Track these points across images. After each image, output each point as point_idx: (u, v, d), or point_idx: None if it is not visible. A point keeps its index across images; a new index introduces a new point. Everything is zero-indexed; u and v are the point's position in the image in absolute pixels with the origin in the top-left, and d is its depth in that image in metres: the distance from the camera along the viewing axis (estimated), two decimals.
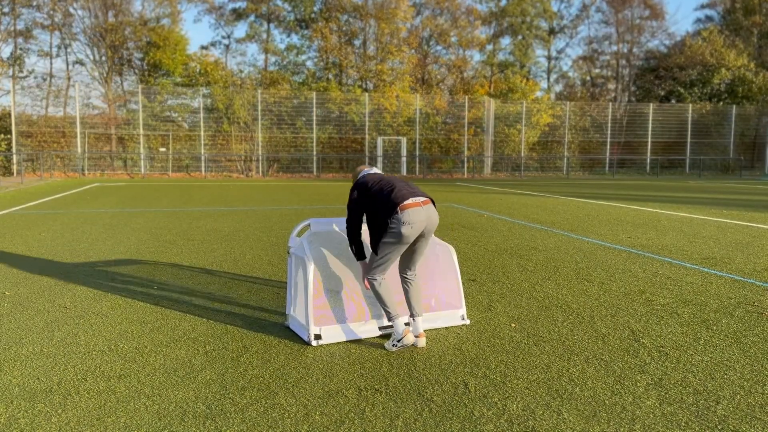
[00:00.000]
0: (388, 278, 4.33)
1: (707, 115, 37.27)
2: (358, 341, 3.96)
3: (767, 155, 37.49)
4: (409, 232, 3.65)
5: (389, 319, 3.82)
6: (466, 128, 34.07)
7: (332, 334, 3.94)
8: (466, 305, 4.87)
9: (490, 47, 43.16)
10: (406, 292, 4.01)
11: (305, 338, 3.94)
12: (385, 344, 3.84)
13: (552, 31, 45.06)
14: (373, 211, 3.79)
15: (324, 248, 4.25)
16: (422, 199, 3.75)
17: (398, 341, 3.74)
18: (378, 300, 3.88)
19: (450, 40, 40.66)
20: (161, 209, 12.52)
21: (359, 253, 3.94)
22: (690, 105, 37.07)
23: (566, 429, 2.73)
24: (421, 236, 3.81)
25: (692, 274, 6.16)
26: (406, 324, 4.02)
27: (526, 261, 6.84)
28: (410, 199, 3.68)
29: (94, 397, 3.05)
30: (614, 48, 44.50)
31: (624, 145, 37.02)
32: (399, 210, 3.64)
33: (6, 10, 33.79)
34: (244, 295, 5.18)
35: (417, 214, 3.65)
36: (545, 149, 36.54)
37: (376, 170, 4.14)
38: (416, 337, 3.89)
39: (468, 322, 4.38)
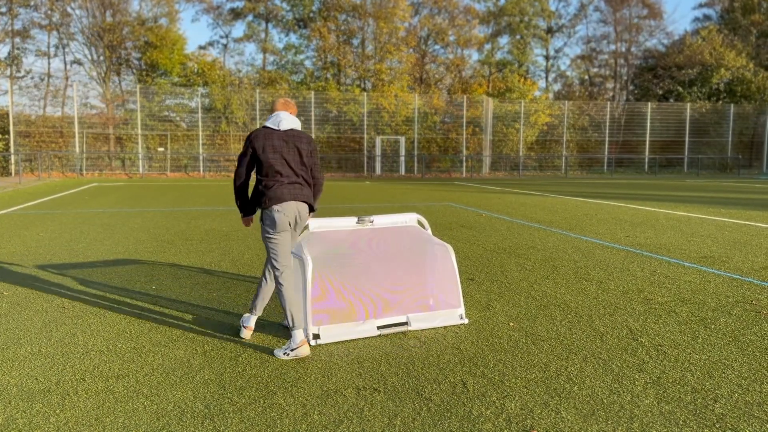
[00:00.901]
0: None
1: (706, 114, 37.31)
2: (356, 341, 3.97)
3: (765, 154, 37.54)
4: (282, 219, 3.78)
5: (290, 326, 3.66)
6: (464, 127, 34.08)
7: (331, 333, 3.94)
8: (465, 304, 4.87)
9: (488, 46, 43.20)
10: (259, 287, 4.04)
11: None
12: (275, 350, 3.70)
13: (550, 31, 45.08)
14: (257, 182, 3.89)
15: (322, 248, 4.25)
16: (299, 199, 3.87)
17: (291, 350, 3.63)
18: (280, 299, 3.78)
19: (448, 40, 40.67)
20: (159, 209, 12.51)
21: (243, 208, 3.97)
22: (688, 104, 37.11)
23: (564, 428, 2.74)
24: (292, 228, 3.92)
25: (690, 272, 6.17)
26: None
27: (525, 260, 6.84)
28: (288, 198, 3.81)
29: (92, 397, 3.05)
30: (612, 47, 44.55)
31: (622, 144, 37.05)
32: (275, 202, 3.79)
33: (3, 9, 33.74)
34: (243, 294, 5.17)
35: (289, 205, 3.81)
36: (544, 148, 36.56)
37: (283, 119, 3.92)
38: (244, 327, 3.95)
39: (466, 321, 4.38)
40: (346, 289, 4.24)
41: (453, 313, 4.37)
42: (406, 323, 4.20)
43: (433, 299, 4.57)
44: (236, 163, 3.86)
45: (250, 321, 4.02)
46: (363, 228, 4.47)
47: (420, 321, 4.23)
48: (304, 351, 3.62)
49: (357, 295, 4.25)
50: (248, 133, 32.80)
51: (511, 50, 43.64)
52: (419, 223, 4.69)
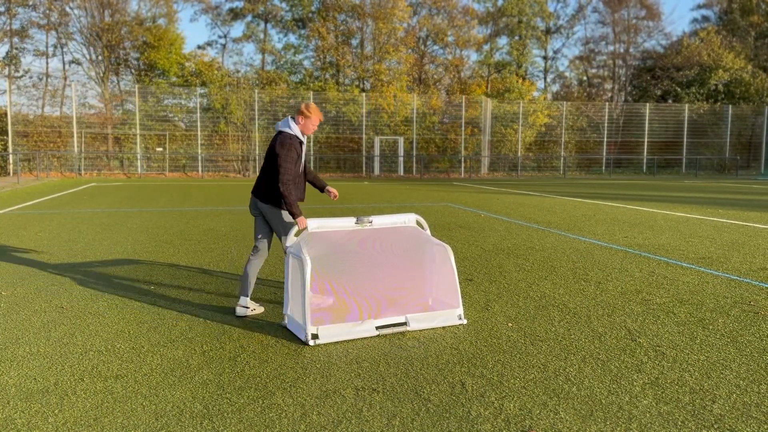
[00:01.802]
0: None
1: (704, 115, 37.36)
2: (355, 341, 3.97)
3: (763, 155, 37.60)
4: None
5: (240, 293, 4.65)
6: (463, 128, 34.09)
7: (329, 333, 3.94)
8: (464, 305, 4.87)
9: (487, 47, 43.20)
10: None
11: (302, 338, 3.94)
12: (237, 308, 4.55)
13: (548, 31, 45.11)
14: None
15: (321, 248, 4.25)
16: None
17: (247, 309, 4.55)
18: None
19: (447, 40, 40.68)
20: (158, 209, 12.50)
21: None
22: (686, 105, 37.16)
23: (563, 428, 2.74)
24: (257, 214, 4.64)
25: (689, 273, 6.18)
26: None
27: (523, 261, 6.85)
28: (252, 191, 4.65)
29: (91, 397, 3.05)
30: (611, 48, 44.59)
31: (621, 145, 37.08)
32: None
33: (2, 9, 33.71)
34: None
35: (251, 198, 4.68)
36: (542, 149, 36.58)
37: (283, 129, 4.50)
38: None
39: (465, 321, 4.38)
40: (344, 289, 4.24)
41: (452, 314, 4.37)
42: (405, 323, 4.20)
43: (432, 299, 4.57)
44: None
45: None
46: (362, 228, 4.48)
47: (419, 321, 4.23)
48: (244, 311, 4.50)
49: (355, 296, 4.25)
50: (247, 133, 32.80)
51: (510, 51, 43.66)
52: (418, 223, 4.69)
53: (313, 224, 4.30)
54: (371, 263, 4.36)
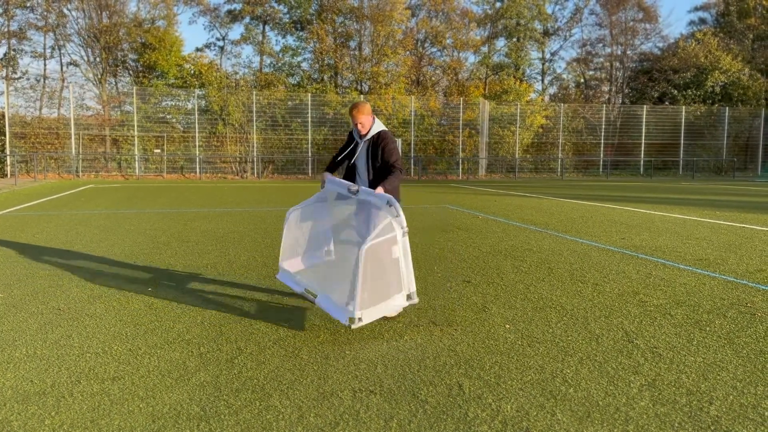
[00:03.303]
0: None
1: (701, 117, 37.44)
2: (352, 342, 3.97)
3: (759, 157, 37.70)
4: None
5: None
6: (461, 130, 34.12)
7: (282, 275, 4.81)
8: (462, 306, 4.88)
9: (485, 49, 43.24)
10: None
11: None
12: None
13: (546, 33, 45.18)
14: (400, 172, 4.75)
15: (319, 205, 4.85)
16: None
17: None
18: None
19: (445, 42, 40.71)
20: (156, 210, 12.49)
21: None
22: (683, 107, 37.24)
23: (560, 430, 2.75)
24: None
25: (685, 275, 6.19)
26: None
27: (521, 262, 6.86)
28: None
29: (87, 399, 3.04)
30: (608, 50, 44.66)
31: (618, 147, 37.12)
32: None
33: (0, 11, 33.67)
34: (239, 296, 5.17)
35: None
36: (539, 151, 36.61)
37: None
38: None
39: (346, 323, 3.91)
40: (308, 245, 4.94)
41: (344, 310, 3.96)
42: (313, 295, 4.44)
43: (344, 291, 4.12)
44: (400, 163, 4.59)
45: None
46: (350, 197, 4.51)
47: (321, 301, 4.28)
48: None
49: (310, 248, 4.91)
50: (245, 135, 32.59)
51: (508, 53, 43.71)
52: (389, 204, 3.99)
53: (332, 184, 4.73)
54: (336, 234, 4.87)
